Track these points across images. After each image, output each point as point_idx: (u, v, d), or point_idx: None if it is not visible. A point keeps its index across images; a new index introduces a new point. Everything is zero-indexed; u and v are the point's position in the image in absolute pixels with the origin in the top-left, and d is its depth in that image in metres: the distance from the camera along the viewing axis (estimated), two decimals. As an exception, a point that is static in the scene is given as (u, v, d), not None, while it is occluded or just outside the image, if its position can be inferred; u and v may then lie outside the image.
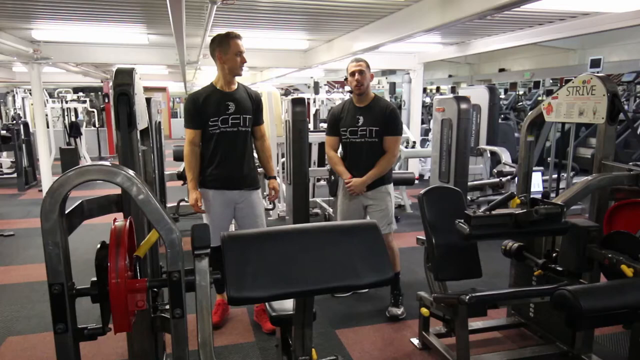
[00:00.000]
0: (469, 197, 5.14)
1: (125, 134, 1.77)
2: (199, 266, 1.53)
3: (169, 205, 5.09)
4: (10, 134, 7.85)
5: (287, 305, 2.04)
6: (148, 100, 4.47)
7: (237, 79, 2.90)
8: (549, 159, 3.57)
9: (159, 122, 4.75)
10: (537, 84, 11.15)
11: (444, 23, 4.18)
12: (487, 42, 6.68)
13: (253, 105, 2.88)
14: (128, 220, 1.56)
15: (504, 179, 5.01)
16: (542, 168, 5.16)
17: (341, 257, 1.70)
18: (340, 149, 3.25)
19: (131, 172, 1.47)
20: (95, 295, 1.42)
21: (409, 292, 3.16)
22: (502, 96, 11.07)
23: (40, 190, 7.39)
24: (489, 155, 5.77)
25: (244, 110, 2.81)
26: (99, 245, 1.46)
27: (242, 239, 1.65)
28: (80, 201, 1.68)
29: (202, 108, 2.76)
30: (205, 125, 2.76)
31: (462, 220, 2.01)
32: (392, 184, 3.20)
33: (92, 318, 1.43)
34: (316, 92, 8.52)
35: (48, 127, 9.36)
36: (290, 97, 4.54)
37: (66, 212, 1.53)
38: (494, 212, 2.00)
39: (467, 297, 2.05)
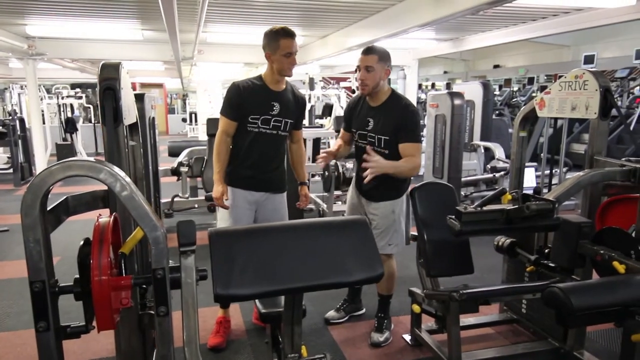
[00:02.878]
0: (462, 193, 5.12)
1: (111, 129, 1.72)
2: (184, 263, 1.49)
3: (163, 200, 5.03)
4: (6, 130, 7.77)
5: (277, 301, 2.00)
6: (142, 96, 4.42)
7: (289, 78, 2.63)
8: (542, 154, 3.54)
9: (153, 118, 4.68)
10: (531, 80, 11.14)
11: (438, 18, 4.15)
12: (481, 38, 6.65)
13: (298, 109, 2.66)
14: (113, 217, 1.52)
15: (497, 175, 4.99)
16: (535, 164, 5.14)
17: (330, 253, 1.67)
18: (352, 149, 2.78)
19: (116, 168, 1.43)
20: (78, 293, 1.39)
21: (402, 288, 3.13)
22: (497, 92, 11.04)
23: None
24: (482, 151, 5.75)
25: (288, 113, 2.57)
26: (82, 242, 1.42)
27: (229, 235, 1.62)
28: (64, 197, 1.64)
29: (245, 100, 2.49)
30: (243, 119, 2.51)
31: (453, 216, 1.97)
32: (402, 199, 2.65)
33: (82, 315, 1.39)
34: (311, 88, 8.47)
35: (44, 123, 9.29)
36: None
37: (49, 208, 1.50)
38: (485, 208, 1.96)
39: (458, 293, 2.02)
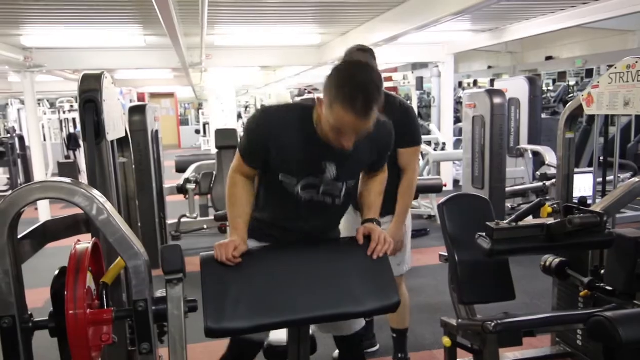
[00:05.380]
0: (508, 205, 4.98)
1: (92, 145, 1.77)
2: (171, 293, 1.50)
3: (169, 222, 5.12)
4: (4, 149, 8.08)
5: (283, 335, 1.99)
6: (143, 108, 4.55)
7: None
8: (598, 158, 3.43)
9: (157, 131, 4.80)
10: (589, 73, 10.81)
11: (473, 5, 4.11)
12: (526, 26, 6.53)
13: (373, 155, 1.82)
14: (92, 242, 1.55)
15: (548, 183, 4.83)
16: (592, 169, 4.96)
17: (338, 279, 1.65)
18: None
19: (94, 190, 1.46)
20: (53, 329, 1.41)
21: (435, 317, 3.05)
22: (550, 88, 10.78)
23: (37, 209, 7.58)
24: (530, 156, 5.60)
25: (351, 172, 1.81)
26: (57, 272, 1.45)
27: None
28: (42, 222, 1.68)
29: (275, 149, 1.70)
30: (272, 171, 1.77)
31: (484, 234, 1.92)
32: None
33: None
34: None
35: (45, 139, 9.63)
36: (300, 99, 4.51)
37: (23, 235, 1.54)
38: (520, 223, 1.90)
39: (493, 324, 1.95)
